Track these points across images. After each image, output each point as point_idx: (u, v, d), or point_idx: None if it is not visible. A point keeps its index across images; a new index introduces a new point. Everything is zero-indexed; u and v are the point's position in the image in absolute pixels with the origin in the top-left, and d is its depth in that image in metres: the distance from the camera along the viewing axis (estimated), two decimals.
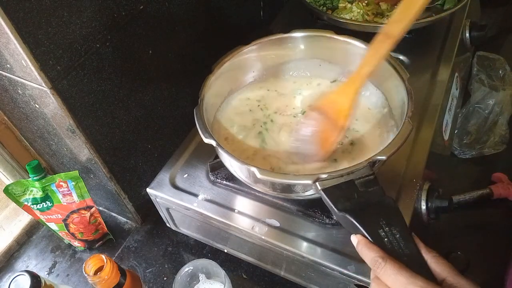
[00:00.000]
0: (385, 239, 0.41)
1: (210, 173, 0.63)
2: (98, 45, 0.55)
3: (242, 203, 0.61)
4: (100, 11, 0.54)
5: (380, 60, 0.53)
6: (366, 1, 0.83)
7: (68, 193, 0.66)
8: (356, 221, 0.43)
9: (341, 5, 0.84)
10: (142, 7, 0.61)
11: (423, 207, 0.57)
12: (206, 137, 0.53)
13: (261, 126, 0.64)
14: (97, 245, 0.75)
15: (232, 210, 0.60)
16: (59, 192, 0.65)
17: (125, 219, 0.78)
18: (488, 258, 0.69)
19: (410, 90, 0.54)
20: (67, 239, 0.74)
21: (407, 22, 0.50)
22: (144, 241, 0.74)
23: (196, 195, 0.61)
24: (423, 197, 0.57)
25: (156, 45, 0.66)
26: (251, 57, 0.66)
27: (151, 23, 0.64)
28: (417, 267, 0.39)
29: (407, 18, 0.50)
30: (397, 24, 0.51)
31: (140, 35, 0.62)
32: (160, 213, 0.69)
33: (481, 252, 0.70)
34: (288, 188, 0.53)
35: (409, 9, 0.50)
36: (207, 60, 0.65)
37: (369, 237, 0.42)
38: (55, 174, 0.64)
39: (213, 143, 0.52)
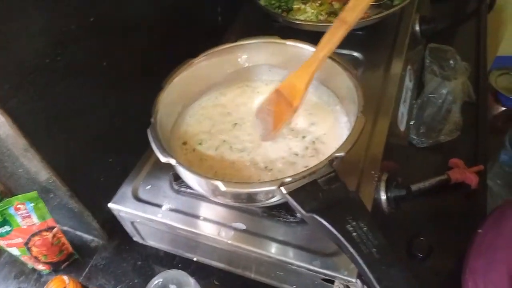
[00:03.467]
0: (354, 234, 0.42)
1: (173, 183, 0.63)
2: (48, 61, 0.54)
3: (208, 210, 0.60)
4: (48, 25, 0.53)
5: (335, 44, 0.56)
6: (319, 2, 0.85)
7: (28, 215, 0.63)
8: (324, 220, 0.44)
9: (295, 6, 0.86)
10: (93, 19, 0.60)
11: (383, 197, 0.59)
12: (164, 157, 0.52)
13: (220, 134, 0.64)
14: (63, 267, 0.73)
15: (198, 217, 0.59)
16: (18, 215, 0.63)
17: (91, 237, 0.76)
18: (450, 241, 0.71)
19: (358, 86, 0.55)
20: (30, 263, 0.71)
21: (360, 9, 0.54)
22: (112, 258, 0.73)
23: (160, 206, 0.61)
24: (382, 188, 0.59)
25: (111, 56, 0.65)
26: (201, 69, 0.66)
27: (104, 35, 0.63)
28: (388, 257, 0.40)
29: (361, 5, 0.54)
30: (352, 11, 0.55)
31: (93, 47, 0.61)
32: (125, 227, 0.67)
33: (443, 236, 0.72)
34: (251, 198, 0.53)
35: None
36: (167, 68, 0.64)
37: (337, 234, 0.42)
38: (12, 197, 0.62)
39: (172, 161, 0.52)
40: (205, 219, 0.59)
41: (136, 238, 0.70)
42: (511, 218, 0.59)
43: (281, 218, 0.57)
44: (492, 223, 0.64)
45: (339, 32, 0.55)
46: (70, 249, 0.72)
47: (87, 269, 0.72)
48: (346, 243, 0.41)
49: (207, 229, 0.58)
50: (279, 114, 0.60)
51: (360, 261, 0.40)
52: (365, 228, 0.42)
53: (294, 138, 0.62)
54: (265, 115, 0.63)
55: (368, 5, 0.55)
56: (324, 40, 0.57)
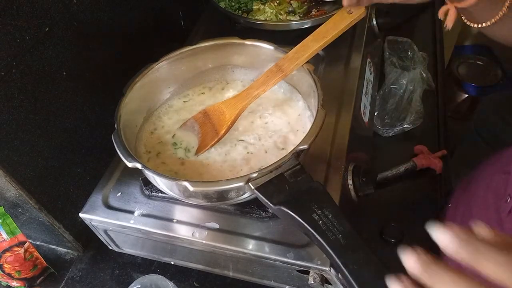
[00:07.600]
0: (320, 222, 0.44)
1: (144, 188, 0.62)
2: (3, 73, 0.53)
3: (180, 212, 0.61)
4: (1, 38, 0.52)
5: (269, 87, 0.59)
6: (277, 1, 0.87)
7: None
8: (291, 211, 0.45)
9: (255, 7, 0.87)
10: (47, 29, 0.59)
11: (350, 186, 0.61)
12: (129, 161, 0.52)
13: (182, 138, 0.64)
14: (38, 282, 0.71)
15: (171, 220, 0.60)
16: None
17: (65, 250, 0.75)
18: (420, 225, 0.74)
19: (317, 80, 0.57)
20: (4, 281, 0.69)
21: (298, 62, 0.58)
22: (88, 269, 0.72)
23: (132, 212, 0.60)
24: (349, 177, 0.61)
25: (71, 65, 0.65)
26: (164, 74, 0.66)
27: (61, 44, 0.62)
28: (353, 242, 0.42)
29: (299, 59, 0.58)
30: (290, 62, 0.58)
31: (50, 57, 0.60)
32: (99, 236, 0.67)
33: (413, 221, 0.74)
34: (222, 196, 0.54)
35: (303, 52, 0.58)
36: (130, 74, 0.64)
37: (304, 223, 0.44)
38: None
39: (138, 166, 0.52)
40: (178, 222, 0.59)
41: (111, 246, 0.69)
42: (480, 185, 0.61)
43: (253, 214, 0.58)
44: (461, 194, 0.66)
45: (275, 77, 0.59)
46: (44, 263, 0.71)
47: (63, 282, 0.71)
48: (313, 231, 0.42)
49: (181, 231, 0.58)
50: (204, 136, 0.62)
51: (327, 247, 0.41)
52: (330, 216, 0.43)
53: (260, 134, 0.63)
54: (190, 131, 0.64)
55: (306, 60, 0.58)
56: (260, 80, 0.60)
